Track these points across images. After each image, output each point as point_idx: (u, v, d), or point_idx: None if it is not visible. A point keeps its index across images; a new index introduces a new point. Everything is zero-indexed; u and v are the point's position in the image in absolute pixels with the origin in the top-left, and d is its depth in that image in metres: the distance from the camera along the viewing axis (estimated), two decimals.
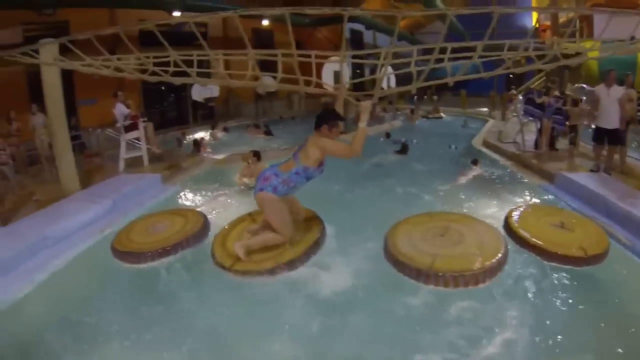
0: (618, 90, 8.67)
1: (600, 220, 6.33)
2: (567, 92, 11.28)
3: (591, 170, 8.81)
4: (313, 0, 20.47)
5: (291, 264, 4.64)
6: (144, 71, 5.34)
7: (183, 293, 4.68)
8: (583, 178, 8.08)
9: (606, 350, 3.80)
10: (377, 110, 18.84)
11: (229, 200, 7.77)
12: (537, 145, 11.03)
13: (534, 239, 5.14)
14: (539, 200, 7.86)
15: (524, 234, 5.28)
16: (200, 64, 5.72)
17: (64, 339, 3.95)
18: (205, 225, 5.82)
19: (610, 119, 8.62)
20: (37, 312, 4.56)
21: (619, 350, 3.78)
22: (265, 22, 20.57)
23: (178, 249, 5.24)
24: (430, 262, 4.42)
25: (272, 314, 4.27)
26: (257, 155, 8.83)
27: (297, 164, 4.64)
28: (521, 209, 6.10)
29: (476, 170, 9.65)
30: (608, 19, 4.29)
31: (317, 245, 5.00)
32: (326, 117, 4.67)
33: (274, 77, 5.94)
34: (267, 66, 6.78)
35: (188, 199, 8.14)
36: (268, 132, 15.07)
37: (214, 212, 7.01)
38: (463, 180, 9.05)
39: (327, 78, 9.39)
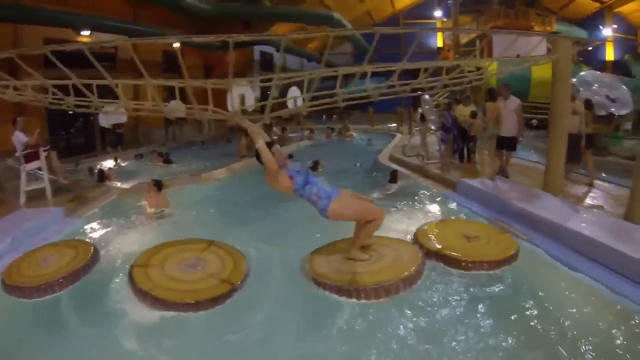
0: (514, 102, 9.53)
1: (500, 219, 6.94)
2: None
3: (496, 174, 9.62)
4: (223, 25, 20.46)
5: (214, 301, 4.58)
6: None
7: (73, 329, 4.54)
8: (481, 183, 8.80)
9: (518, 346, 4.08)
10: (285, 133, 18.95)
11: (132, 232, 7.46)
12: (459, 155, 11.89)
13: (445, 251, 5.45)
14: (443, 208, 8.36)
15: (434, 246, 5.59)
16: (106, 89, 5.44)
17: None
18: (94, 256, 5.80)
19: (508, 128, 9.53)
20: None
21: (529, 345, 4.09)
22: (176, 45, 20.21)
23: (65, 283, 5.16)
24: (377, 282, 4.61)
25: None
26: (157, 184, 8.48)
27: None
28: (429, 223, 6.53)
29: (384, 185, 9.97)
30: (504, 39, 4.53)
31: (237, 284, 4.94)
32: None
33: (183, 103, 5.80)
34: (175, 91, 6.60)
35: (91, 232, 7.65)
36: (167, 160, 14.50)
37: (115, 243, 6.77)
38: (370, 195, 9.08)
39: (234, 102, 9.28)
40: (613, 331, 4.24)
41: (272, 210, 8.54)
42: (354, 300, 4.52)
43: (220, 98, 5.65)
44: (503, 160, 10.16)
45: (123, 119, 15.87)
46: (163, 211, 8.15)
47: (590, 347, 3.99)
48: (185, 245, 5.82)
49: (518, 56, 7.05)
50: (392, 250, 5.42)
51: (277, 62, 27.67)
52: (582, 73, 9.86)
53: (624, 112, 10.09)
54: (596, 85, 11.45)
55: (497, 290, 5.02)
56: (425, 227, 6.31)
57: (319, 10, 22.30)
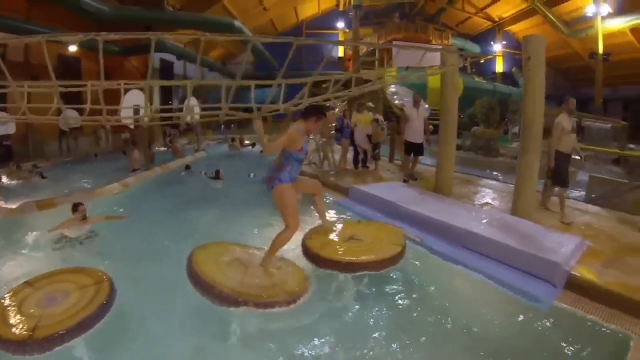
0: (425, 110, 10.30)
1: (392, 223, 7.08)
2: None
3: (404, 180, 10.19)
4: (125, 29, 19.75)
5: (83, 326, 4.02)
6: None
7: None
8: (373, 188, 9.06)
9: (411, 338, 4.32)
10: (179, 145, 18.38)
11: (25, 258, 6.39)
12: (356, 163, 12.37)
13: (331, 257, 5.42)
14: (334, 214, 8.40)
15: (321, 253, 5.52)
16: None
17: None
18: None
19: (419, 135, 10.09)
20: None
21: (422, 337, 4.36)
22: (72, 49, 19.11)
23: None
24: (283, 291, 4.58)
25: None
26: (78, 207, 7.42)
27: (284, 151, 5.22)
28: (314, 231, 6.37)
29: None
30: (398, 50, 4.80)
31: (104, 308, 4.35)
32: (315, 111, 5.39)
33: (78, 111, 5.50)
34: (72, 98, 6.27)
35: None
36: (40, 175, 12.97)
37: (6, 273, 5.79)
38: (262, 204, 9.02)
39: (127, 110, 8.86)
40: (503, 319, 4.65)
41: (167, 226, 8.04)
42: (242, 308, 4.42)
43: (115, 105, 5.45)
44: (411, 165, 10.67)
45: (11, 129, 14.24)
46: (87, 233, 7.22)
47: (481, 335, 4.34)
48: (68, 275, 5.00)
49: (407, 68, 7.55)
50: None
51: (178, 71, 27.12)
52: (393, 87, 11.06)
53: None
54: (404, 95, 12.93)
55: (386, 288, 5.23)
56: (310, 235, 6.23)
57: (220, 17, 22.11)
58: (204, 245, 5.55)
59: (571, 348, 4.09)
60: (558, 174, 7.61)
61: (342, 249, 5.64)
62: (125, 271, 5.35)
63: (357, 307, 4.85)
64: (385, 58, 29.47)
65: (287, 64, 5.21)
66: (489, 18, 38.52)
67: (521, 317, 4.63)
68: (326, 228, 6.11)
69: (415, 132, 10.13)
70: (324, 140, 12.37)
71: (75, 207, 7.39)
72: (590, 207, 8.10)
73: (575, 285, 5.06)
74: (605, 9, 25.53)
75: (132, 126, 13.77)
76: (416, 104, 10.21)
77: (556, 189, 7.81)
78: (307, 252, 5.69)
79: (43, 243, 6.91)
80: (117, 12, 17.38)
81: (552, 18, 29.22)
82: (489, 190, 9.52)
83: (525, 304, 4.84)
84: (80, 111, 6.13)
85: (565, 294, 5.00)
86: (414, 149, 10.29)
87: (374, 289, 5.19)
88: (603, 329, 4.34)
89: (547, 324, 4.49)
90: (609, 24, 25.85)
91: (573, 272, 5.16)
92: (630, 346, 4.02)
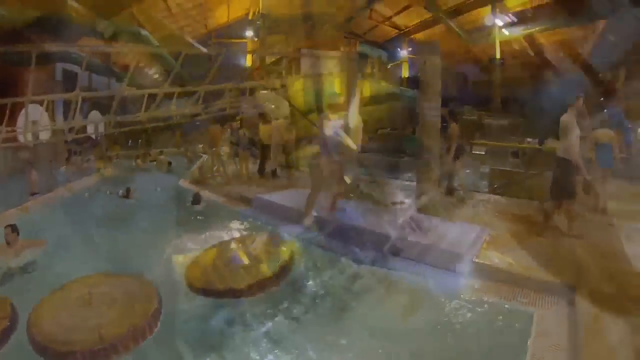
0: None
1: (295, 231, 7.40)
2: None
3: None
4: (27, 33, 18.63)
5: None
6: None
7: None
8: (277, 196, 9.24)
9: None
10: (84, 164, 17.40)
11: None
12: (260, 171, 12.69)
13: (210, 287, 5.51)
14: (238, 225, 8.50)
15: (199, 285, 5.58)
16: None
17: None
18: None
19: None
20: None
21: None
22: None
23: None
24: (98, 337, 4.10)
25: None
26: (16, 230, 7.02)
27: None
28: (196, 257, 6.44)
29: (184, 208, 9.93)
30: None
31: None
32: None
33: None
34: None
35: None
36: None
37: None
38: (173, 219, 9.04)
39: (26, 124, 8.39)
40: (412, 312, 4.94)
41: (72, 252, 7.58)
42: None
43: (11, 121, 5.18)
44: None
45: None
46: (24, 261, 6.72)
47: (392, 331, 4.62)
48: None
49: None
50: (124, 289, 5.06)
51: (83, 83, 26.05)
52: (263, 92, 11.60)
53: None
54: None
55: (290, 297, 5.39)
56: (192, 263, 6.22)
57: (126, 26, 21.53)
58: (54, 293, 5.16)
59: (480, 329, 4.39)
60: (562, 184, 6.54)
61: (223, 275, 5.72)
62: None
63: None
64: (293, 66, 29.78)
65: (174, 73, 5.28)
66: (395, 26, 40.00)
67: (430, 309, 4.93)
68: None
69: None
70: (213, 149, 12.48)
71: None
72: (493, 197, 8.58)
73: (479, 271, 5.42)
74: (502, 19, 27.28)
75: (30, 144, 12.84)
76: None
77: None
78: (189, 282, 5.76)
79: None
80: (16, 17, 16.35)
81: (454, 27, 30.77)
82: (396, 191, 9.92)
83: (433, 295, 5.16)
84: None
85: (471, 281, 5.35)
86: None
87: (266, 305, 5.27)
88: (508, 308, 4.75)
89: (456, 311, 4.82)
90: (505, 33, 27.60)
91: (476, 260, 5.51)
92: (533, 319, 4.37)
